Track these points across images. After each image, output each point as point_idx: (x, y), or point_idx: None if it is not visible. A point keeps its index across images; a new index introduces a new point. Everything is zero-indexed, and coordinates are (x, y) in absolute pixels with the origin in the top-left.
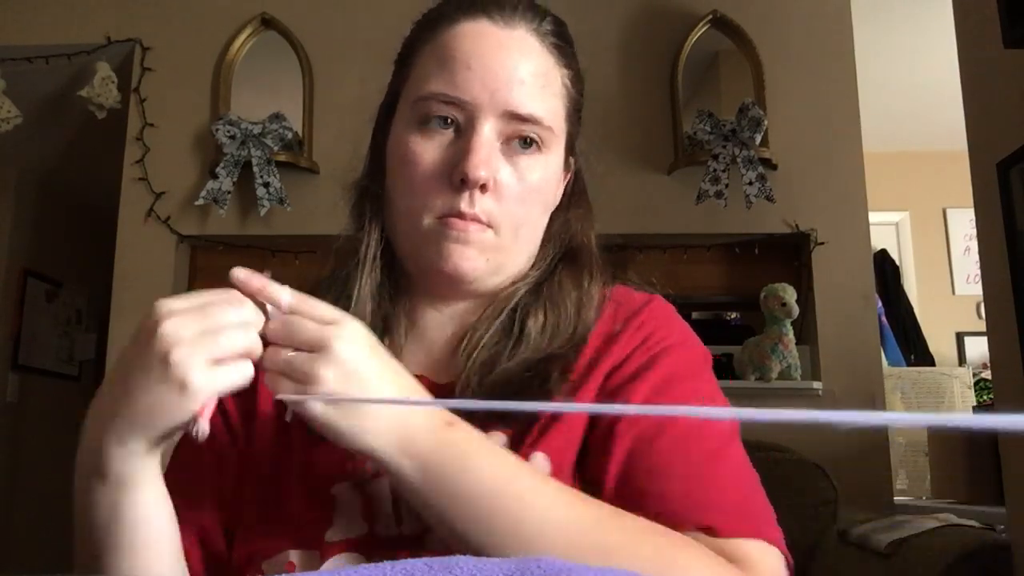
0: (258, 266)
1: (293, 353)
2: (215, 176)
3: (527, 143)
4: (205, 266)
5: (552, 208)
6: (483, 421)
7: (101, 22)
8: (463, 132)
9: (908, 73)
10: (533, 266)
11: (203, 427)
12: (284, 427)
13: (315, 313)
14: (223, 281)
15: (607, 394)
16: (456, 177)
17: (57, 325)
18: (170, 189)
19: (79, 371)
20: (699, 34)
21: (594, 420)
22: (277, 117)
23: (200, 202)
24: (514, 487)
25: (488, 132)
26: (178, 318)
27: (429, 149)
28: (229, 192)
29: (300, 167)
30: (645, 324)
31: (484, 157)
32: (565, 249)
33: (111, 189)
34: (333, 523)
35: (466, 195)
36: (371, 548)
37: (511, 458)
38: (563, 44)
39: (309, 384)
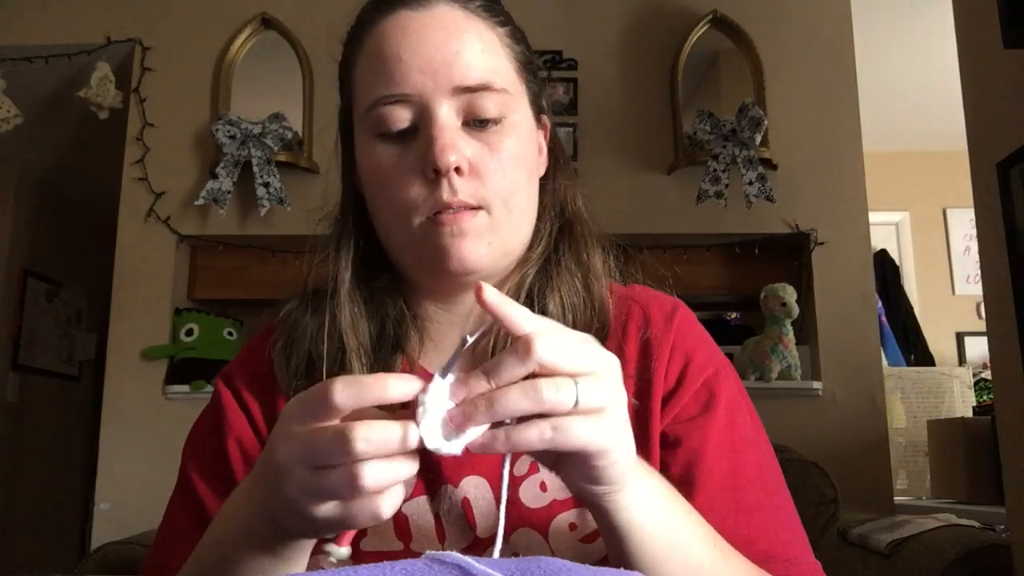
0: (258, 266)
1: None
2: (215, 176)
3: (485, 122)
4: (205, 266)
5: (537, 173)
6: None
7: (101, 22)
8: (421, 125)
9: (908, 73)
10: (532, 244)
11: (337, 553)
12: None
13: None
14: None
15: (677, 437)
16: (428, 170)
17: (57, 325)
18: (170, 189)
19: (79, 371)
20: (699, 34)
21: (666, 462)
22: (277, 117)
23: (200, 202)
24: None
25: (445, 115)
26: (293, 456)
27: (395, 153)
28: (229, 192)
29: (300, 167)
30: (680, 339)
31: (448, 141)
32: (560, 221)
33: (111, 189)
34: (368, 533)
35: (444, 184)
36: None
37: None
38: (489, 3)
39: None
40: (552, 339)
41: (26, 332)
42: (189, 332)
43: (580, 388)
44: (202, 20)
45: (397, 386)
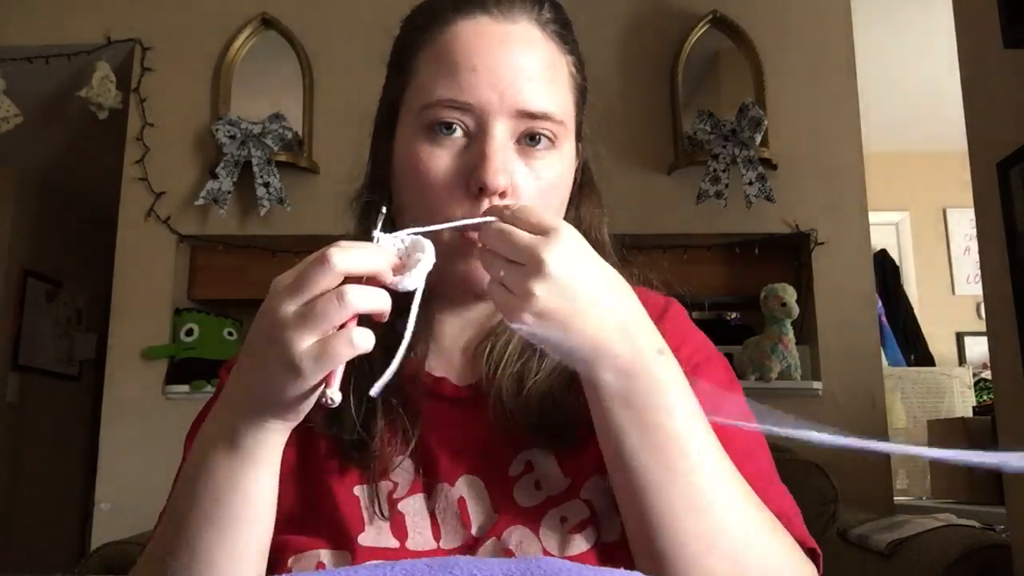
0: (258, 266)
1: (507, 266)
2: (215, 176)
3: (536, 139)
4: (205, 266)
5: (567, 200)
6: (525, 434)
7: (101, 22)
8: (475, 137)
9: (908, 73)
10: None
11: (332, 395)
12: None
13: (530, 220)
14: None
15: None
16: (474, 185)
17: (57, 325)
18: (170, 189)
19: (79, 371)
20: (699, 34)
21: None
22: (277, 117)
23: (200, 202)
24: (700, 438)
25: (501, 134)
26: (281, 296)
27: (441, 157)
28: (229, 192)
29: (300, 167)
30: (671, 334)
31: (501, 163)
32: None
33: (111, 189)
34: (366, 529)
35: (485, 205)
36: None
37: (697, 406)
38: (564, 31)
39: (523, 301)
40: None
41: (26, 332)
42: (189, 332)
43: (548, 261)
44: (202, 20)
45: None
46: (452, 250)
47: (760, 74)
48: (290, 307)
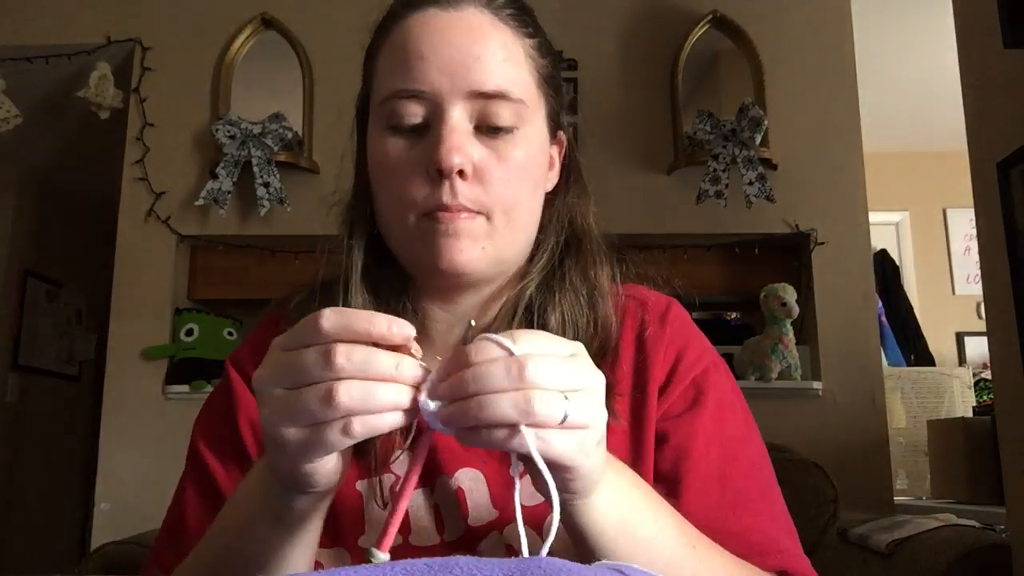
0: (258, 266)
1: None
2: (215, 176)
3: (497, 121)
4: (205, 266)
5: (544, 187)
6: None
7: (101, 22)
8: (432, 123)
9: (908, 73)
10: (534, 255)
11: (376, 555)
12: None
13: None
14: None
15: (665, 433)
16: (432, 169)
17: (57, 325)
18: (170, 189)
19: (79, 371)
20: (699, 34)
21: (655, 458)
22: (277, 117)
23: (200, 202)
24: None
25: (457, 117)
26: (268, 372)
27: (402, 147)
28: (229, 192)
29: (300, 167)
30: (673, 338)
31: (456, 143)
32: (567, 236)
33: (111, 189)
34: (365, 531)
35: (446, 185)
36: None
37: (665, 507)
38: (520, 14)
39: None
40: (543, 362)
41: (26, 332)
42: (189, 332)
43: (570, 405)
44: (202, 20)
45: (383, 323)
46: (418, 230)
47: (760, 74)
48: (275, 389)
